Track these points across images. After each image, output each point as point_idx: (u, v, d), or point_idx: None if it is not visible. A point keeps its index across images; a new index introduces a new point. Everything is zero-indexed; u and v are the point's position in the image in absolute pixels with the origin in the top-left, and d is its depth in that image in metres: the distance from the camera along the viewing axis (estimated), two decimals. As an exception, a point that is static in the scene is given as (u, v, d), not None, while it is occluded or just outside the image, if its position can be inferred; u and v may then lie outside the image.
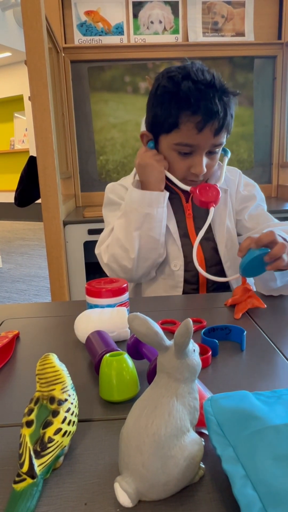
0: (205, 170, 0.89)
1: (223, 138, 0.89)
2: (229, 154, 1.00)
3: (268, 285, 0.83)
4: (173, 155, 0.90)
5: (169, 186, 0.97)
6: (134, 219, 0.90)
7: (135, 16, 2.12)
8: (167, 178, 0.94)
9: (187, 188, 0.92)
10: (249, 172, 2.29)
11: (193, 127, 0.83)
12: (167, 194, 0.92)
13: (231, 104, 0.87)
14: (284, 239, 0.74)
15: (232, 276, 0.89)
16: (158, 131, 0.91)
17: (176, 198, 0.98)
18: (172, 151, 0.90)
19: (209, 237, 0.97)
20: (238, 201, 1.01)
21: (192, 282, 0.97)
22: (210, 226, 0.97)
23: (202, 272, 0.89)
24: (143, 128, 2.37)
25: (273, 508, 0.29)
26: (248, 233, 0.97)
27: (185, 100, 0.82)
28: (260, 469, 0.32)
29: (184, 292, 0.97)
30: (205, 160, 0.89)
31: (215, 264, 0.97)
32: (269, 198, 2.26)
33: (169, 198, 0.95)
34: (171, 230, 0.95)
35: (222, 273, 0.97)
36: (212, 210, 0.91)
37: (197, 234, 0.93)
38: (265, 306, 0.76)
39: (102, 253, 0.96)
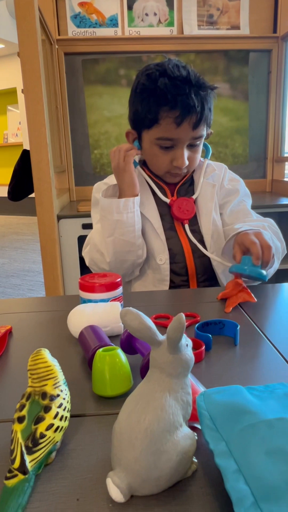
0: (186, 162, 0.92)
1: (203, 131, 0.92)
2: (210, 151, 1.04)
3: None
4: (155, 149, 0.93)
5: (153, 179, 1.00)
6: (106, 226, 0.92)
7: (130, 8, 2.10)
8: (151, 172, 0.99)
9: (167, 200, 0.98)
10: (243, 167, 2.29)
11: (172, 121, 0.87)
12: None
13: (209, 98, 0.90)
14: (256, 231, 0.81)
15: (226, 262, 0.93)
16: (140, 127, 0.94)
17: (161, 191, 0.99)
18: (154, 146, 0.93)
19: (195, 229, 1.00)
20: (222, 195, 1.04)
21: (181, 274, 0.98)
22: (196, 218, 1.00)
23: (213, 256, 0.95)
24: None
25: (265, 502, 0.29)
26: (226, 227, 1.01)
27: (163, 96, 0.86)
28: (252, 463, 0.32)
29: (174, 284, 0.98)
30: (186, 153, 0.92)
31: (202, 255, 0.98)
32: (264, 193, 2.26)
33: (153, 192, 0.98)
34: (154, 226, 0.97)
35: (209, 263, 0.99)
36: (187, 226, 0.98)
37: (183, 228, 0.98)
38: (256, 300, 0.76)
39: (84, 256, 1.00)
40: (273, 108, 2.23)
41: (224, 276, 0.99)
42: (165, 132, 0.89)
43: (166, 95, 0.85)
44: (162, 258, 0.96)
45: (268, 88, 2.22)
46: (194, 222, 0.99)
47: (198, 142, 0.93)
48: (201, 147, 0.97)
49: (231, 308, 0.74)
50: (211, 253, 0.97)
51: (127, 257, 0.93)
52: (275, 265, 0.86)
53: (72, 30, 2.09)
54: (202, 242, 0.98)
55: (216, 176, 1.04)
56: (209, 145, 1.04)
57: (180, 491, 0.35)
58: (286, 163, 2.33)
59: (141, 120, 0.92)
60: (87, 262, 0.98)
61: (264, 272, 0.76)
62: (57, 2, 2.06)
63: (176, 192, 1.00)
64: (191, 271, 0.98)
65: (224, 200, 1.04)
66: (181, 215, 0.97)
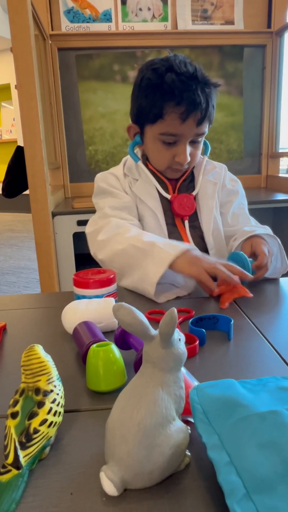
0: (188, 158, 0.93)
1: (205, 128, 0.93)
2: (209, 147, 1.05)
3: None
4: (158, 144, 0.93)
5: (156, 174, 1.00)
6: (122, 254, 0.84)
7: (123, 3, 2.09)
8: (153, 167, 0.99)
9: (168, 196, 0.98)
10: (238, 163, 2.29)
11: (177, 117, 0.87)
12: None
13: (213, 95, 0.91)
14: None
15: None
16: (143, 122, 0.94)
17: (162, 187, 0.99)
18: (157, 141, 0.92)
19: (195, 225, 1.00)
20: (224, 194, 1.05)
21: None
22: (196, 215, 1.01)
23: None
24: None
25: (256, 494, 0.30)
26: (227, 228, 1.03)
27: (169, 91, 0.85)
28: (244, 456, 0.32)
29: None
30: (188, 149, 0.93)
31: (201, 251, 0.98)
32: (259, 189, 2.27)
33: (157, 188, 0.99)
34: (159, 220, 0.97)
35: None
36: (187, 222, 0.98)
37: (183, 223, 0.99)
38: (251, 295, 0.76)
39: (97, 251, 0.92)
40: (267, 104, 2.23)
41: None
42: (169, 128, 0.88)
43: (172, 90, 0.84)
44: None
45: (262, 84, 2.22)
46: (194, 219, 1.00)
47: (200, 139, 0.94)
48: (202, 144, 0.97)
49: (226, 304, 0.74)
50: (210, 250, 0.98)
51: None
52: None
53: (66, 25, 2.08)
54: (202, 238, 0.99)
55: (217, 174, 1.05)
56: (208, 142, 1.04)
57: (173, 484, 0.35)
58: (281, 158, 2.33)
59: (145, 114, 0.91)
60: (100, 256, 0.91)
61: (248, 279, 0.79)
62: (50, -3, 2.05)
63: (177, 189, 1.00)
64: None
65: (226, 199, 1.05)
66: (181, 211, 0.97)
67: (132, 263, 0.82)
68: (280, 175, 2.29)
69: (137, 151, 1.03)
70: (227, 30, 2.14)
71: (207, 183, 1.02)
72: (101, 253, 0.89)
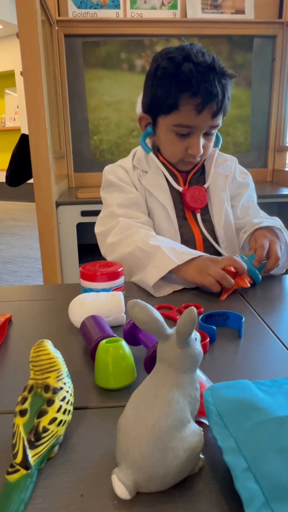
0: (202, 151, 0.91)
1: (220, 120, 0.91)
2: (221, 140, 1.03)
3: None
4: (171, 136, 0.91)
5: (167, 166, 0.98)
6: (135, 267, 0.83)
7: (132, -11, 2.04)
8: (165, 159, 0.98)
9: (180, 189, 0.96)
10: (244, 156, 2.26)
11: (193, 108, 0.84)
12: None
13: (228, 86, 0.89)
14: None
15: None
16: (156, 112, 0.91)
17: (173, 179, 0.97)
18: (170, 132, 0.90)
19: (206, 218, 0.99)
20: (235, 186, 1.04)
21: None
22: (207, 207, 0.99)
23: (221, 251, 0.95)
24: (138, 108, 2.31)
25: (276, 502, 0.28)
26: (237, 221, 1.01)
27: (186, 82, 0.83)
28: (263, 462, 0.31)
29: None
30: (202, 141, 0.91)
31: (212, 244, 0.97)
32: (265, 183, 2.24)
33: (167, 179, 0.97)
34: (169, 213, 0.95)
35: (218, 253, 0.98)
36: (198, 215, 0.97)
37: (194, 216, 0.97)
38: (249, 286, 0.76)
39: (106, 253, 0.92)
40: (276, 97, 2.19)
41: None
42: (184, 119, 0.86)
43: (189, 80, 0.82)
44: None
45: (271, 76, 2.18)
46: (205, 212, 0.98)
47: (213, 131, 0.92)
48: (214, 136, 0.96)
49: (225, 296, 0.74)
50: (221, 243, 0.97)
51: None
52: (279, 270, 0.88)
53: (73, 11, 2.03)
54: (213, 232, 0.98)
55: (228, 167, 1.03)
56: (219, 135, 1.02)
57: (187, 488, 0.34)
58: (288, 152, 2.30)
59: (159, 105, 0.89)
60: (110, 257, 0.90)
61: (259, 276, 0.80)
62: (58, -19, 2.00)
63: (188, 181, 0.99)
64: None
65: (236, 192, 1.04)
66: (194, 204, 0.96)
67: (138, 265, 0.82)
68: (287, 169, 2.26)
69: (148, 141, 1.01)
70: (237, 19, 2.10)
71: (218, 176, 1.00)
72: (110, 256, 0.90)
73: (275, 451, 0.31)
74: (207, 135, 0.91)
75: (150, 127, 0.96)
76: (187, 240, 0.96)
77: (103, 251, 0.94)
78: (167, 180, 0.97)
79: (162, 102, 0.87)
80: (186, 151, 0.91)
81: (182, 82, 0.83)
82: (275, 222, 0.93)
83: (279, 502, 0.28)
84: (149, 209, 0.97)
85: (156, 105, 0.90)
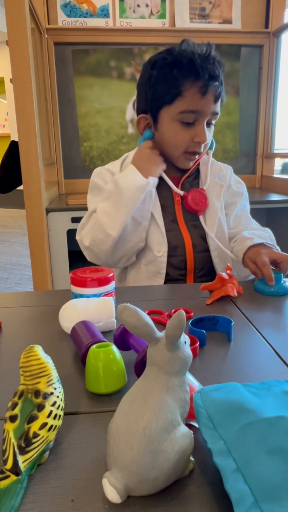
0: (208, 138, 0.92)
1: (219, 108, 0.93)
2: (214, 143, 1.04)
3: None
4: (176, 126, 0.91)
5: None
6: (124, 202, 0.89)
7: (121, -2, 2.07)
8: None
9: (180, 192, 0.97)
10: (233, 163, 2.29)
11: (197, 91, 0.87)
12: (156, 180, 0.94)
13: (223, 73, 0.92)
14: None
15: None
16: (158, 107, 0.92)
17: (165, 184, 0.98)
18: (176, 122, 0.91)
19: (197, 224, 0.99)
20: (229, 195, 1.05)
21: (179, 268, 0.97)
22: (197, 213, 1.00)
23: (228, 252, 0.95)
24: (128, 115, 2.31)
25: (265, 502, 0.29)
26: (229, 230, 1.02)
27: (188, 66, 0.86)
28: (252, 462, 0.31)
29: (170, 277, 0.97)
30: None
31: (202, 250, 0.98)
32: (253, 189, 2.27)
33: (158, 184, 0.96)
34: (155, 217, 0.95)
35: (209, 260, 0.98)
36: (201, 217, 0.98)
37: (185, 221, 0.98)
38: (236, 295, 0.77)
39: (84, 238, 0.95)
40: (263, 104, 2.23)
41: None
42: (189, 105, 0.88)
43: (192, 63, 0.85)
44: (161, 250, 0.95)
45: (259, 84, 2.22)
46: (195, 218, 0.99)
47: (214, 121, 0.94)
48: (213, 128, 0.97)
49: (211, 301, 0.75)
50: (213, 251, 0.98)
51: (131, 238, 0.91)
52: None
53: (62, 20, 2.05)
54: (203, 238, 0.98)
55: (223, 176, 1.05)
56: (212, 138, 1.02)
57: (178, 490, 0.34)
58: (276, 159, 2.34)
59: (160, 98, 0.90)
60: (87, 243, 0.93)
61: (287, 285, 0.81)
62: (47, -10, 2.02)
63: (180, 185, 0.99)
64: (190, 265, 0.97)
65: (231, 200, 1.05)
66: (196, 206, 0.97)
67: (114, 201, 0.90)
68: (275, 175, 2.30)
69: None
70: (225, 29, 2.13)
71: (213, 185, 1.01)
72: (86, 241, 0.93)
73: (264, 452, 0.32)
74: (208, 125, 0.93)
75: (148, 131, 0.97)
76: (175, 246, 0.96)
77: (81, 247, 0.96)
78: (168, 184, 0.97)
79: (164, 93, 0.89)
80: (191, 141, 0.92)
81: (184, 67, 0.85)
82: (266, 234, 0.94)
83: (268, 502, 0.29)
84: None
85: (158, 99, 0.91)
